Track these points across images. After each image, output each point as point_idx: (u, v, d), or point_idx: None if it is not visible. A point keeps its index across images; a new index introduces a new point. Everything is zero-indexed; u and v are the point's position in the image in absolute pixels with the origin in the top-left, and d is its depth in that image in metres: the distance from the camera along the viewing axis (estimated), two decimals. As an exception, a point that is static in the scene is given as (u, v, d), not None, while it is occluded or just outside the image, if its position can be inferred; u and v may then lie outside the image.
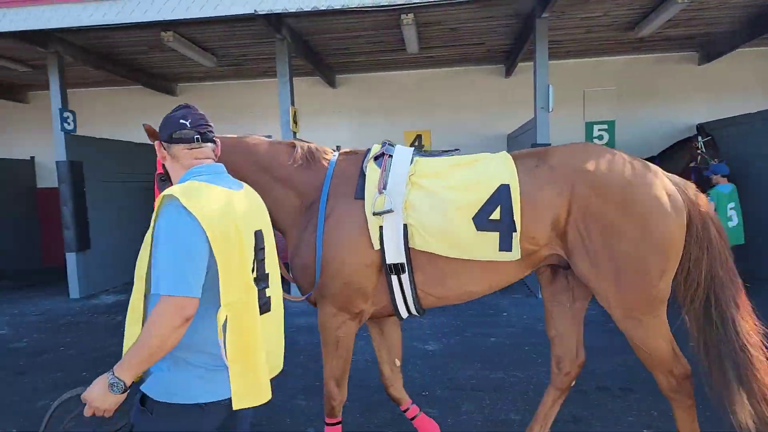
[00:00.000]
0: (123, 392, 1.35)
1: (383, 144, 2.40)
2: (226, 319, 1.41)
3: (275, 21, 5.89)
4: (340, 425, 2.50)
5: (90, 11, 5.54)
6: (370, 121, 9.05)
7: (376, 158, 2.33)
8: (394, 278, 2.23)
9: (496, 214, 2.11)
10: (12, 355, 4.85)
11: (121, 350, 1.53)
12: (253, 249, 1.53)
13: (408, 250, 2.19)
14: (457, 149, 2.50)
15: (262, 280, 1.58)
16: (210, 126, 1.60)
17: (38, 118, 10.05)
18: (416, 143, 8.92)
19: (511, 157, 2.26)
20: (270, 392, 1.53)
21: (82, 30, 6.05)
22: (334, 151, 2.50)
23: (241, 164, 2.33)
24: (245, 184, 1.69)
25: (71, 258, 6.96)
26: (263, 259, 1.60)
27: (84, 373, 4.29)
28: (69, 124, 6.75)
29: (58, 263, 10.12)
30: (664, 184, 2.13)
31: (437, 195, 2.19)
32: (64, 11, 5.58)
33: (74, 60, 6.96)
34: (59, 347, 5.06)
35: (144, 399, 1.47)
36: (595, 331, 4.22)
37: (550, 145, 4.53)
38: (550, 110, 5.87)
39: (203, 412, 1.43)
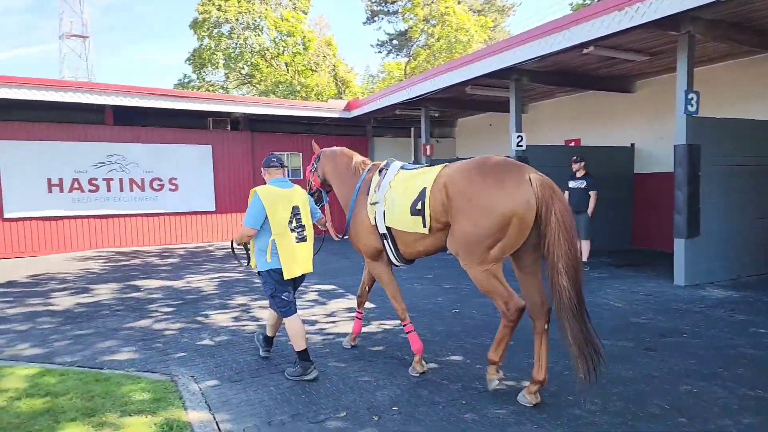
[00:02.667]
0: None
1: (386, 161, 4.24)
2: (274, 239, 3.83)
3: None
4: (411, 325, 4.16)
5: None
6: None
7: (381, 170, 4.15)
8: (384, 241, 4.03)
9: (419, 206, 3.64)
10: (634, 329, 5.18)
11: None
12: (290, 213, 3.90)
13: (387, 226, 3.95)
14: (423, 164, 4.21)
15: (299, 228, 3.96)
16: (282, 160, 4.18)
17: (641, 106, 10.65)
18: None
19: (441, 168, 3.69)
20: (300, 273, 3.96)
21: (718, 2, 5.66)
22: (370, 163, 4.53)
23: (337, 165, 4.63)
24: (296, 185, 4.10)
25: (680, 244, 6.89)
26: (299, 218, 3.97)
27: (720, 369, 4.00)
28: (692, 106, 6.59)
29: (647, 245, 10.49)
30: (508, 178, 3.28)
31: (398, 194, 3.84)
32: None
33: (703, 37, 6.71)
34: (681, 333, 5.00)
35: (261, 272, 3.96)
36: None
37: None
38: None
39: (275, 272, 3.88)
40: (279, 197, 3.87)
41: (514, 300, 3.35)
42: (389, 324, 5.46)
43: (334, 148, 4.80)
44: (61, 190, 11.68)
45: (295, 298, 4.06)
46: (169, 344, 4.91)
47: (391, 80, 32.86)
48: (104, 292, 7.35)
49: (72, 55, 47.61)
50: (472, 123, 15.76)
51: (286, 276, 3.86)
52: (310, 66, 29.12)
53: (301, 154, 14.66)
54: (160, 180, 12.76)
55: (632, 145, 10.85)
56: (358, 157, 4.58)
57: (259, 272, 4.00)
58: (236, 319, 5.83)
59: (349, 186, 4.40)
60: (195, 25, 27.06)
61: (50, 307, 6.48)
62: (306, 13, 30.05)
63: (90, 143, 11.94)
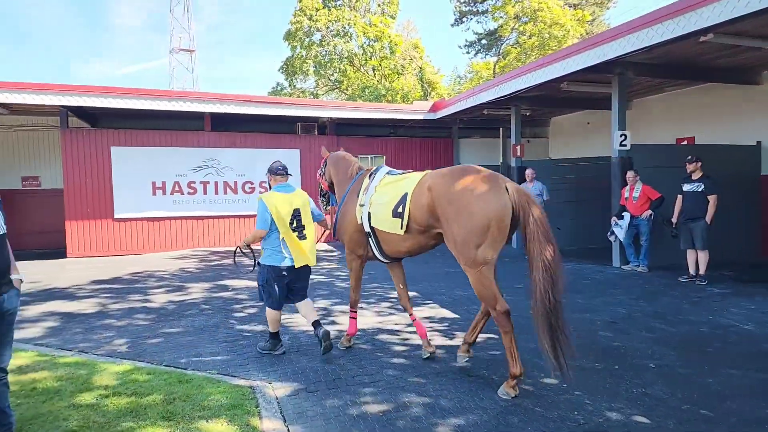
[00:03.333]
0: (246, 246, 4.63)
1: (376, 167, 4.66)
2: (283, 238, 4.40)
3: None
4: (356, 313, 4.85)
5: None
6: None
7: (371, 175, 4.58)
8: (370, 239, 4.41)
9: (400, 209, 4.02)
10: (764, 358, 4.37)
11: None
12: (291, 215, 4.40)
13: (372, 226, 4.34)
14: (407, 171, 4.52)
15: (299, 228, 4.46)
16: (286, 168, 4.68)
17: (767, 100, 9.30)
18: None
19: (423, 175, 4.11)
20: (305, 264, 4.52)
21: None
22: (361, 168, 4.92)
23: (339, 168, 5.06)
24: (297, 189, 4.63)
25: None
26: (300, 219, 4.46)
27: None
28: None
29: (781, 259, 9.10)
30: (490, 188, 3.63)
31: (381, 197, 4.25)
32: None
33: None
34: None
35: (261, 264, 4.50)
36: None
37: None
38: None
39: (279, 268, 4.42)
40: (281, 201, 4.43)
41: (500, 303, 3.65)
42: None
43: (339, 152, 5.25)
44: (164, 193, 12.56)
45: (296, 290, 4.60)
46: (251, 347, 4.92)
47: (479, 80, 32.08)
48: (196, 291, 7.68)
49: (180, 68, 51.92)
50: (567, 121, 14.79)
51: (297, 265, 4.47)
52: (396, 69, 29.23)
53: (384, 157, 14.61)
54: (252, 183, 13.30)
55: (758, 143, 9.49)
56: (356, 163, 5.05)
57: (259, 264, 4.57)
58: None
59: (345, 188, 4.86)
60: (288, 35, 28.26)
61: (147, 304, 6.86)
62: (394, 18, 30.26)
63: (190, 149, 12.74)
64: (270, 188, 4.65)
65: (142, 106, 11.31)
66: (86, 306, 6.80)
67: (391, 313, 6.15)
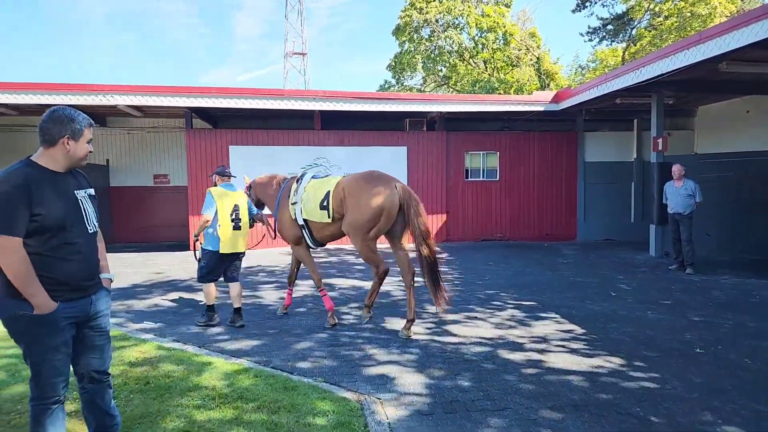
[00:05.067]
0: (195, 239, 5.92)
1: (302, 173, 5.91)
2: (220, 225, 5.45)
3: None
4: (325, 291, 5.74)
5: None
6: None
7: (298, 180, 5.80)
8: (303, 231, 5.64)
9: (325, 203, 5.37)
10: None
11: None
12: (231, 209, 5.54)
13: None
14: (327, 174, 5.97)
15: (236, 220, 5.55)
16: (230, 171, 5.92)
17: None
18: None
19: (341, 177, 5.57)
20: (233, 250, 5.52)
21: None
22: (288, 176, 6.15)
23: (264, 186, 6.26)
24: (238, 189, 5.81)
25: None
26: (237, 213, 5.57)
27: None
28: None
29: None
30: (381, 186, 5.21)
31: (310, 195, 5.52)
32: None
33: None
34: None
35: (203, 248, 5.66)
36: None
37: None
38: None
39: (216, 253, 5.49)
40: (225, 195, 5.56)
41: (382, 265, 5.46)
42: (617, 363, 4.33)
43: (261, 177, 6.41)
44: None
45: (228, 273, 5.65)
46: (359, 354, 4.63)
47: (605, 69, 29.62)
48: (303, 288, 7.66)
49: (293, 71, 54.76)
50: (719, 110, 12.84)
51: (222, 251, 5.45)
52: (510, 61, 27.96)
53: (498, 153, 13.82)
54: (360, 181, 13.29)
55: None
56: (276, 176, 6.29)
57: (203, 249, 5.64)
58: (429, 331, 5.35)
59: (274, 198, 6.07)
60: (397, 31, 28.30)
61: (256, 300, 6.94)
62: (509, 7, 28.99)
63: (301, 147, 13.05)
64: (216, 185, 5.79)
65: (257, 105, 11.76)
66: (202, 298, 7.05)
67: (511, 326, 5.55)
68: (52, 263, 2.32)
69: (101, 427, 2.65)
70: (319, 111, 12.72)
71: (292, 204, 5.70)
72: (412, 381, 3.99)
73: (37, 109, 11.98)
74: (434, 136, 13.65)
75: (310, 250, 5.94)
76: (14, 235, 2.20)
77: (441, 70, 29.52)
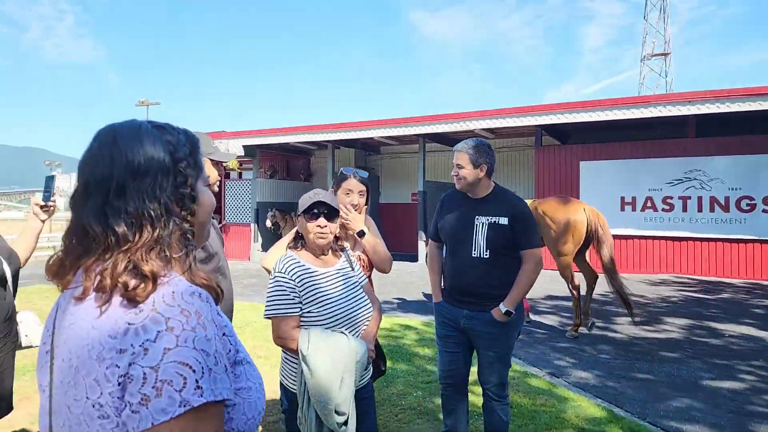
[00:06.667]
0: None
1: None
2: None
3: None
4: None
5: None
6: None
7: None
8: None
9: None
10: None
11: None
12: None
13: None
14: None
15: None
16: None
17: None
18: None
19: None
20: None
21: None
22: None
23: None
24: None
25: None
26: None
27: None
28: None
29: None
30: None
31: None
32: None
33: None
34: None
35: None
36: None
37: None
38: None
39: None
40: None
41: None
42: None
43: None
44: (633, 209, 11.62)
45: None
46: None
47: None
48: (673, 328, 6.40)
49: (651, 75, 49.54)
50: None
51: None
52: None
53: None
54: (752, 199, 10.56)
55: None
56: None
57: None
58: None
59: None
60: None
61: (610, 333, 6.16)
62: None
63: (666, 159, 11.29)
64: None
65: (608, 117, 10.82)
66: (544, 322, 6.75)
67: None
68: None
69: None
70: (695, 116, 10.75)
71: None
72: None
73: (413, 138, 14.27)
74: None
75: None
76: None
77: None
